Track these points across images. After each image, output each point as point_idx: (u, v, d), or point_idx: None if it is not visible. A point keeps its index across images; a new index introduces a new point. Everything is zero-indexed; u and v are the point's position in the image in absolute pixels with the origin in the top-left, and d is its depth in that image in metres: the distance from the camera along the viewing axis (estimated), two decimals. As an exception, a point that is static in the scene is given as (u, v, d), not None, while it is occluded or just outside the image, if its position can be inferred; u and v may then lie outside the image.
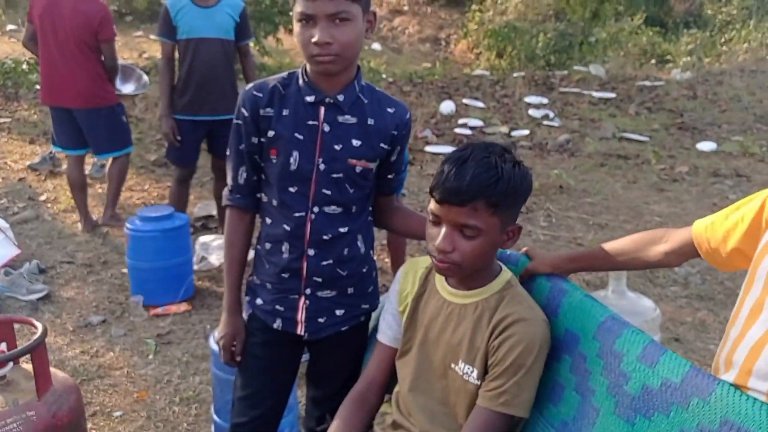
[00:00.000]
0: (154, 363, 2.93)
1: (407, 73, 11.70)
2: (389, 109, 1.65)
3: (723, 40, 14.26)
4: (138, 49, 17.41)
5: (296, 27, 1.50)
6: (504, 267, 1.51)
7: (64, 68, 3.90)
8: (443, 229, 1.36)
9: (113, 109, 4.10)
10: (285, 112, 1.60)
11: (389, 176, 1.73)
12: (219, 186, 4.15)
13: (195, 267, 3.72)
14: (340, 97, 1.59)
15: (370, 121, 1.62)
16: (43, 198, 4.79)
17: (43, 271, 3.71)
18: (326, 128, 1.58)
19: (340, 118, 1.59)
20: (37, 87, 7.86)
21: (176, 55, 3.79)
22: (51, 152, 5.44)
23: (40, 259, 3.82)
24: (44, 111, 6.86)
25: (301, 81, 1.60)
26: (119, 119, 4.14)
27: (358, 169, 1.61)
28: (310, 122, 1.59)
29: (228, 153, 1.71)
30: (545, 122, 7.42)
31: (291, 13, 1.63)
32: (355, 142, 1.60)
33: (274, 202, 1.64)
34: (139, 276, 3.44)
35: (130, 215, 4.54)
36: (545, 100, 8.19)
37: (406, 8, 23.70)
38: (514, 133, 7.04)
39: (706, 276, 3.84)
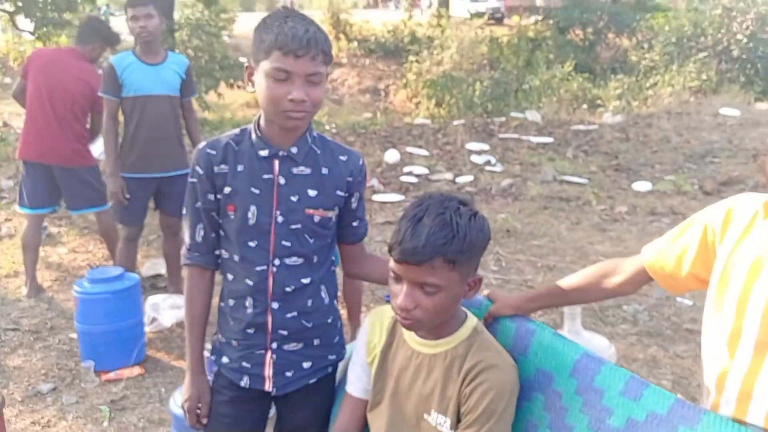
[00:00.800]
0: (109, 430, 2.82)
1: (350, 123, 11.90)
2: (342, 157, 1.69)
3: (648, 84, 15.05)
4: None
5: (266, 81, 1.51)
6: (469, 313, 1.54)
7: (54, 128, 3.95)
8: (404, 287, 1.39)
9: (93, 169, 4.14)
10: (240, 168, 1.62)
11: (354, 223, 1.76)
12: (168, 244, 4.10)
13: (146, 329, 3.63)
14: (294, 150, 1.62)
15: (324, 171, 1.65)
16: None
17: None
18: (282, 181, 1.61)
19: (295, 170, 1.62)
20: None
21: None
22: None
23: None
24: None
25: (254, 136, 1.63)
26: (97, 178, 4.14)
27: (316, 219, 1.64)
28: (266, 176, 1.61)
29: (184, 212, 1.71)
30: (488, 168, 7.63)
31: (247, 64, 1.63)
32: (311, 192, 1.63)
33: (236, 258, 1.65)
34: (89, 340, 3.33)
35: (76, 278, 4.47)
36: (486, 147, 8.43)
37: (344, 60, 24.16)
38: (458, 179, 7.20)
39: (653, 312, 3.98)
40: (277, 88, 1.50)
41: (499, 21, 26.62)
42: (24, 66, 4.14)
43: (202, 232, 1.68)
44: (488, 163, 7.80)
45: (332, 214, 1.67)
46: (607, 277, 1.54)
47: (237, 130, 1.68)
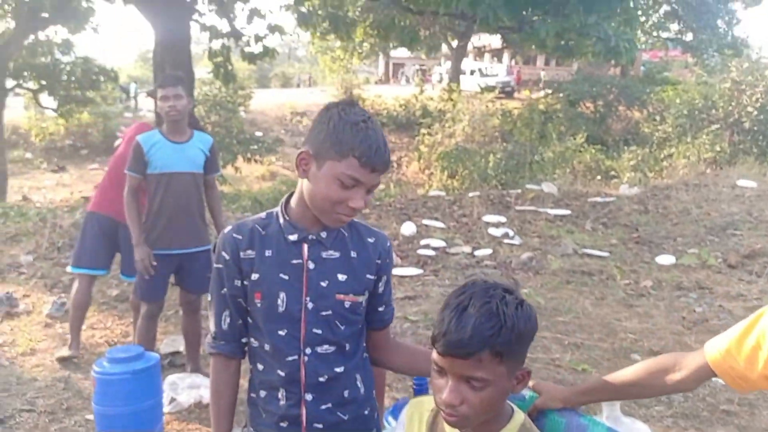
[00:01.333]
0: None
1: (385, 196, 11.96)
2: (370, 239, 1.66)
3: (663, 155, 15.13)
4: (93, 181, 17.46)
5: (331, 182, 1.48)
6: (515, 407, 1.46)
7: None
8: (449, 382, 1.31)
9: None
10: (267, 253, 1.59)
11: (380, 308, 1.70)
12: (187, 321, 4.04)
13: (165, 409, 3.53)
14: (323, 234, 1.59)
15: (353, 254, 1.62)
16: (-1, 341, 4.55)
17: (2, 422, 3.45)
18: (311, 266, 1.57)
19: (324, 254, 1.59)
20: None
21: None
22: (8, 293, 5.24)
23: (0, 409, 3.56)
24: (-1, 248, 6.68)
25: (281, 220, 1.60)
26: None
27: (347, 305, 1.59)
28: (295, 261, 1.57)
29: (210, 298, 1.67)
30: (506, 240, 7.57)
31: (302, 151, 1.60)
32: (341, 277, 1.59)
33: (266, 347, 1.60)
34: (107, 423, 3.21)
35: (94, 355, 4.39)
36: (503, 219, 8.40)
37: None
38: (477, 253, 7.14)
39: (687, 394, 3.82)
40: (341, 192, 1.49)
41: (509, 95, 27.22)
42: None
43: (228, 320, 1.63)
44: (506, 235, 7.75)
45: (362, 299, 1.63)
46: (667, 373, 1.46)
47: (263, 215, 1.66)
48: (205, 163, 3.78)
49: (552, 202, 9.26)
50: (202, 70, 15.07)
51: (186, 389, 3.74)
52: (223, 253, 1.60)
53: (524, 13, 9.75)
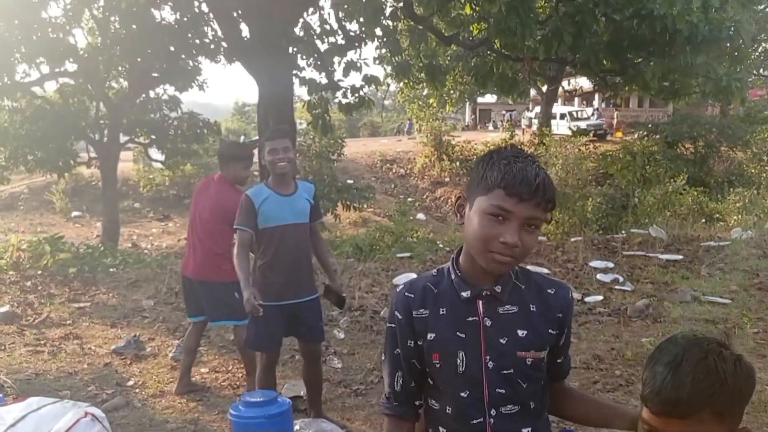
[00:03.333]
0: None
1: (458, 240, 11.89)
2: (549, 291, 1.57)
3: (774, 197, 14.31)
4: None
5: (480, 218, 1.43)
6: None
7: (193, 246, 4.45)
8: None
9: (225, 285, 4.23)
10: (442, 311, 1.54)
11: (558, 360, 1.63)
12: (308, 371, 4.06)
13: (294, 454, 3.55)
14: (498, 288, 1.52)
15: (532, 307, 1.54)
16: (130, 383, 4.74)
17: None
18: (488, 323, 1.51)
19: (501, 310, 1.52)
20: (112, 270, 8.19)
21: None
22: (135, 336, 5.49)
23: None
24: (122, 294, 7.05)
25: (453, 276, 1.55)
26: (229, 293, 4.22)
27: (528, 362, 1.51)
28: (470, 318, 1.51)
29: (383, 358, 1.65)
30: (616, 287, 7.30)
31: (458, 196, 1.58)
32: (521, 333, 1.51)
33: (448, 410, 1.54)
34: (242, 467, 3.27)
35: (218, 398, 4.51)
36: (611, 264, 8.12)
37: (447, 179, 24.72)
38: (587, 299, 6.91)
39: None
40: (490, 227, 1.42)
41: (601, 137, 26.65)
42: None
43: (401, 381, 1.60)
44: (616, 281, 7.47)
45: (544, 354, 1.55)
46: None
47: (434, 271, 1.61)
48: (310, 211, 3.81)
49: (662, 247, 8.88)
50: (297, 121, 15.63)
51: (313, 435, 3.75)
52: (396, 313, 1.57)
53: (627, 55, 9.58)
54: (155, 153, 17.85)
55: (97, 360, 5.19)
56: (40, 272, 7.73)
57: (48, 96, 16.07)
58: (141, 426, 4.05)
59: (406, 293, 1.57)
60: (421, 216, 20.45)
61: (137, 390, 4.63)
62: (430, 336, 1.53)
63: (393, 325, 1.58)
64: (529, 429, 1.54)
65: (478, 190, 1.46)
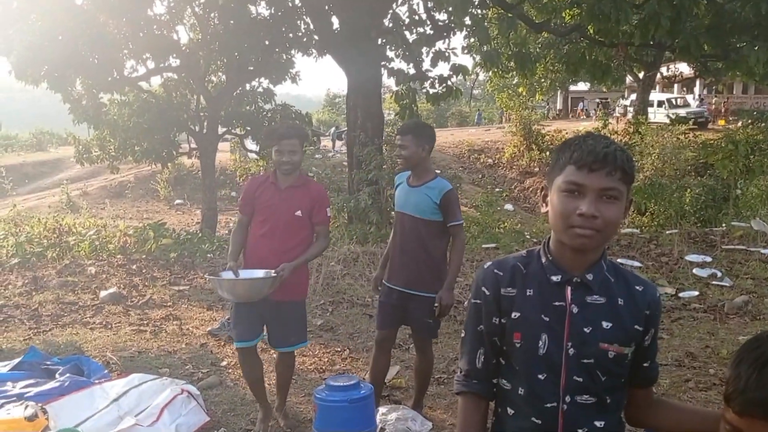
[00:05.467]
0: None
1: (547, 232, 11.66)
2: (638, 287, 1.57)
3: None
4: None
5: (557, 196, 1.47)
6: None
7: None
8: None
9: (297, 304, 3.95)
10: (529, 292, 1.55)
11: (645, 364, 1.61)
12: (415, 360, 4.15)
13: (376, 439, 3.64)
14: (589, 276, 1.53)
15: (620, 301, 1.53)
16: (224, 363, 5.00)
17: (231, 439, 3.77)
18: (574, 309, 1.52)
19: (589, 299, 1.52)
20: (209, 255, 8.60)
21: None
22: (229, 318, 5.76)
23: (226, 427, 3.90)
24: (218, 278, 7.38)
25: (543, 259, 1.57)
26: (301, 314, 4.02)
27: (610, 355, 1.51)
28: (557, 303, 1.53)
29: (463, 334, 1.66)
30: (714, 282, 6.98)
31: (542, 185, 1.60)
32: (606, 325, 1.51)
33: (520, 391, 1.56)
34: (326, 447, 3.40)
35: (305, 381, 4.68)
36: (708, 259, 7.75)
37: (536, 170, 24.23)
38: (682, 295, 6.65)
39: None
40: (567, 203, 1.45)
41: (702, 126, 25.29)
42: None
43: (482, 358, 1.61)
44: (714, 276, 7.14)
45: (628, 351, 1.54)
46: None
47: (524, 252, 1.64)
48: (440, 210, 3.74)
49: (764, 241, 8.39)
50: (385, 112, 15.74)
51: (393, 421, 3.84)
52: (483, 289, 1.60)
53: (730, 39, 9.05)
54: (250, 144, 18.49)
55: (194, 340, 5.49)
56: (144, 256, 8.24)
57: (153, 90, 16.97)
58: (233, 405, 4.27)
59: (495, 270, 1.60)
60: (508, 206, 20.15)
61: (230, 370, 4.88)
62: (515, 315, 1.55)
63: (479, 301, 1.61)
64: (602, 423, 1.53)
65: (554, 173, 1.52)
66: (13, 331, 5.71)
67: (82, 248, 8.52)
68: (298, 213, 3.80)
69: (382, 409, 3.91)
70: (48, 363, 4.62)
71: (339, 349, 5.32)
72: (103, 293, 6.65)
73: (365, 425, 3.43)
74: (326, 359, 5.11)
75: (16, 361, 4.65)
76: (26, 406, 3.09)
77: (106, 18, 13.25)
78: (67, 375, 4.33)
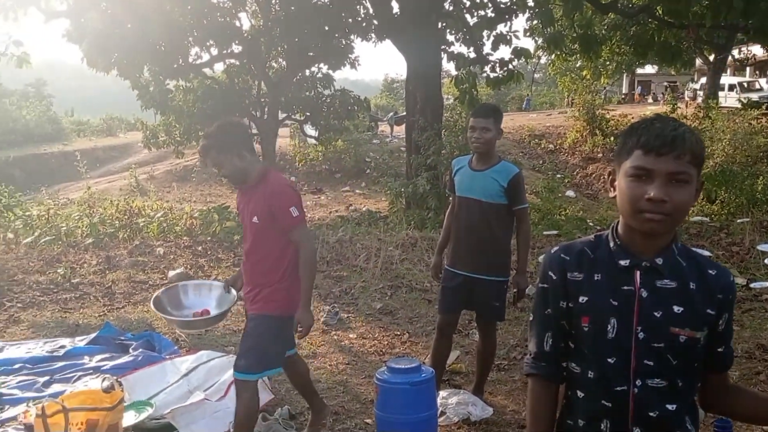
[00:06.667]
0: None
1: (616, 219, 11.39)
2: (711, 271, 1.55)
3: None
4: (345, 202, 18.98)
5: (625, 181, 1.47)
6: None
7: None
8: None
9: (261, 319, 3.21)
10: (597, 277, 1.55)
11: (719, 349, 1.58)
12: (479, 345, 4.14)
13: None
14: (659, 260, 1.51)
15: (692, 285, 1.51)
16: (286, 343, 5.11)
17: (294, 417, 3.86)
18: (644, 294, 1.51)
19: (659, 283, 1.51)
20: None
21: None
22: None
23: (290, 405, 4.00)
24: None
25: (612, 244, 1.56)
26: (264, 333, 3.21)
27: (682, 339, 1.50)
28: (625, 287, 1.52)
29: (531, 318, 1.68)
30: (788, 273, 6.69)
31: (609, 170, 1.58)
32: (677, 309, 1.50)
33: (590, 374, 1.56)
34: (387, 429, 3.44)
35: (366, 363, 4.74)
36: (783, 249, 7.43)
37: (600, 155, 23.63)
38: (753, 285, 6.40)
39: None
40: (635, 188, 1.45)
41: (778, 110, 24.08)
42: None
43: (550, 341, 1.62)
44: (788, 268, 6.85)
45: (700, 335, 1.52)
46: None
47: (591, 237, 1.63)
48: (506, 194, 3.72)
49: None
50: (444, 96, 15.62)
51: (454, 405, 3.85)
52: (550, 273, 1.61)
53: (811, 17, 8.59)
54: (309, 129, 18.72)
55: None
56: (209, 238, 8.48)
57: (216, 76, 17.35)
58: (295, 383, 4.36)
59: (562, 255, 1.61)
60: (570, 193, 19.74)
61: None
62: (582, 299, 1.56)
63: (546, 286, 1.62)
64: (674, 406, 1.52)
65: (621, 158, 1.51)
66: (88, 307, 5.99)
67: (151, 230, 8.83)
68: (255, 219, 3.13)
69: (442, 393, 3.93)
70: (122, 338, 4.84)
71: (398, 333, 5.36)
72: (171, 273, 6.88)
73: (426, 408, 3.46)
74: (386, 342, 5.16)
75: (93, 335, 4.89)
76: (103, 379, 3.24)
77: (172, 6, 13.59)
78: (140, 350, 4.53)
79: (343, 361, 4.77)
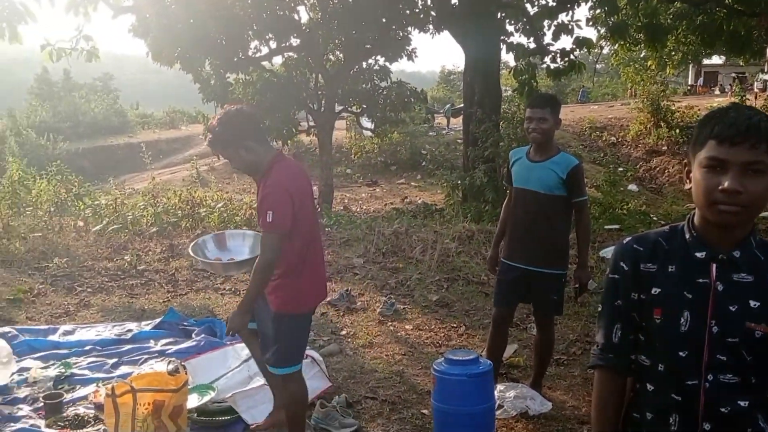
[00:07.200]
0: None
1: (680, 214, 11.04)
2: None
3: None
4: (400, 194, 19.00)
5: (699, 172, 1.44)
6: None
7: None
8: None
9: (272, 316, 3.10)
10: (671, 269, 1.52)
11: None
12: (536, 338, 4.11)
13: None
14: (736, 254, 1.47)
15: None
16: (343, 333, 5.17)
17: (351, 405, 3.90)
18: (719, 287, 1.47)
19: (735, 277, 1.47)
20: (327, 229, 8.85)
21: None
22: (347, 290, 5.94)
23: (347, 393, 4.04)
24: (335, 251, 7.61)
25: (687, 235, 1.53)
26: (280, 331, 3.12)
27: (758, 334, 1.44)
28: (701, 280, 1.48)
29: (600, 309, 1.65)
30: None
31: (685, 161, 1.55)
32: (753, 303, 1.45)
33: (660, 367, 1.53)
34: (443, 420, 3.43)
35: (422, 354, 4.74)
36: None
37: (664, 148, 22.91)
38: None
39: None
40: (709, 179, 1.41)
41: None
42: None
43: (619, 333, 1.59)
44: None
45: None
46: None
47: (666, 228, 1.60)
48: (565, 186, 3.65)
49: None
50: (502, 88, 15.40)
51: (511, 399, 3.82)
52: (622, 264, 1.58)
53: None
54: (366, 121, 18.76)
55: (315, 310, 5.69)
56: (267, 229, 8.61)
57: (274, 69, 17.58)
58: (352, 372, 4.41)
59: (635, 245, 1.58)
60: (632, 187, 19.22)
61: (349, 339, 5.03)
62: (655, 291, 1.53)
63: (616, 276, 1.59)
64: (746, 403, 1.48)
65: (695, 148, 1.48)
66: (153, 293, 6.18)
67: (212, 219, 9.05)
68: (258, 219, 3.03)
69: (499, 386, 3.90)
70: (185, 324, 4.98)
71: (455, 325, 5.34)
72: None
73: (484, 400, 3.43)
74: (442, 334, 5.15)
75: (158, 320, 5.05)
76: (168, 362, 3.34)
77: (233, 0, 13.83)
78: (203, 335, 4.65)
79: (400, 352, 4.79)
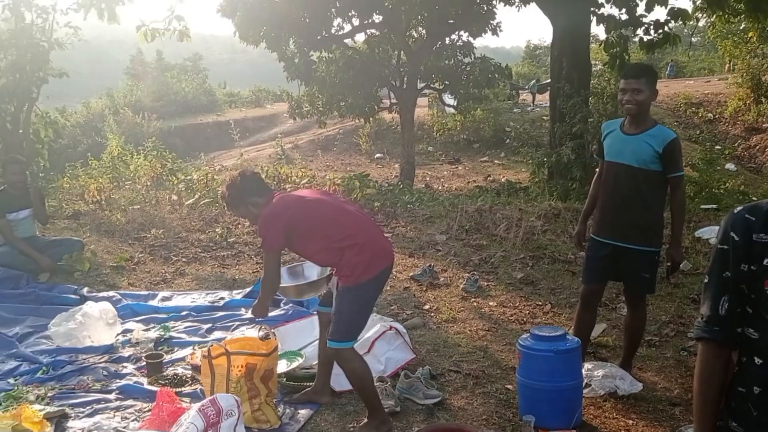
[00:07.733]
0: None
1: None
2: None
3: None
4: (483, 172, 18.77)
5: None
6: None
7: None
8: None
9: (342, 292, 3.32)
10: None
11: None
12: (628, 316, 3.99)
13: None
14: None
15: None
16: (426, 307, 5.20)
17: (434, 377, 3.93)
18: None
19: None
20: (409, 206, 8.87)
21: None
22: (430, 266, 5.95)
23: (431, 365, 4.07)
24: (418, 228, 7.63)
25: None
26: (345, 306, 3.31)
27: None
28: None
29: (706, 280, 1.59)
30: None
31: None
32: None
33: None
34: (529, 395, 3.42)
35: (506, 330, 4.71)
36: None
37: (765, 125, 21.54)
38: None
39: None
40: None
41: None
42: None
43: (726, 305, 1.53)
44: None
45: None
46: None
47: None
48: (660, 160, 3.52)
49: None
50: (592, 62, 14.85)
51: (600, 378, 3.74)
52: (732, 234, 1.52)
53: None
54: (448, 98, 18.58)
55: (398, 284, 5.75)
56: (351, 204, 8.73)
57: (357, 47, 17.66)
58: (436, 345, 4.44)
59: (747, 215, 1.53)
60: (730, 166, 18.22)
61: (432, 314, 5.06)
62: (767, 262, 1.47)
63: (725, 247, 1.54)
64: None
65: None
66: (243, 264, 6.41)
67: (297, 194, 9.22)
68: None
69: (587, 365, 3.82)
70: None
71: (540, 303, 5.27)
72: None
73: (571, 378, 3.39)
74: (527, 312, 5.10)
75: (248, 290, 5.25)
76: (260, 329, 3.46)
77: (317, -22, 13.96)
78: (290, 305, 4.80)
79: (483, 328, 4.77)
